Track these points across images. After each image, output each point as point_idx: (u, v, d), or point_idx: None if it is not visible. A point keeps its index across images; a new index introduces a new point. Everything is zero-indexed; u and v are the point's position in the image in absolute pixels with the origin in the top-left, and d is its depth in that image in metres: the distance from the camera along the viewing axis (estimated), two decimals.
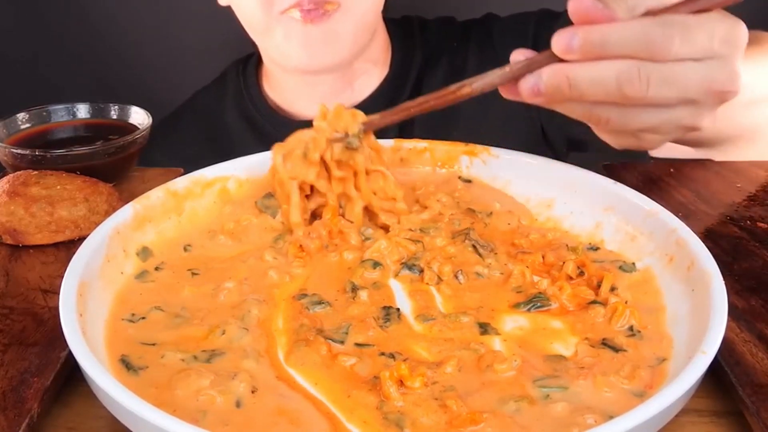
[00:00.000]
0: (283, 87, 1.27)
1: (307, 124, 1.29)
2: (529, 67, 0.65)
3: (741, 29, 0.67)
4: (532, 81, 0.65)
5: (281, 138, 1.22)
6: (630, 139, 0.71)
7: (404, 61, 1.27)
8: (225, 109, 1.32)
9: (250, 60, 1.34)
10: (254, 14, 1.11)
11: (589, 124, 0.71)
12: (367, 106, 1.23)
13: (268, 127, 1.27)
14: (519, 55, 0.67)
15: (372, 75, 1.26)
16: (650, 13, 0.65)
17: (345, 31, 1.10)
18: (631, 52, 0.63)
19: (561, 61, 0.64)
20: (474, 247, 0.72)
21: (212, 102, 1.35)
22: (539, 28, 1.22)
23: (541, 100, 0.66)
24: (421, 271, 0.70)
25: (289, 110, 1.28)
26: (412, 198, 0.82)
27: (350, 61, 1.17)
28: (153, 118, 0.95)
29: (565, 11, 1.21)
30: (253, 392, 0.56)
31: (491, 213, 0.79)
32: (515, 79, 0.66)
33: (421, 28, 1.33)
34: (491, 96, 1.12)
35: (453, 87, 0.70)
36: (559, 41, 0.63)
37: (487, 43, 1.27)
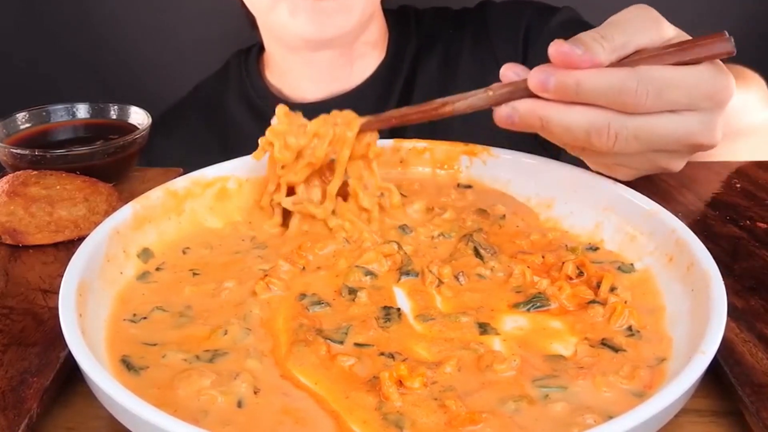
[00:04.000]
0: (284, 70, 1.30)
1: (309, 107, 1.32)
2: (511, 95, 0.67)
3: (728, 84, 0.67)
4: (507, 112, 0.67)
5: None
6: (602, 166, 0.74)
7: (399, 48, 1.31)
8: (228, 98, 1.35)
9: (252, 49, 1.37)
10: None
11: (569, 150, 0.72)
12: (365, 89, 1.29)
13: (271, 113, 1.29)
14: (508, 71, 0.68)
15: (369, 59, 1.29)
16: (640, 52, 0.66)
17: (357, 2, 1.13)
18: (604, 101, 0.64)
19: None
20: (475, 249, 0.72)
21: (215, 92, 1.38)
22: (532, 24, 1.25)
23: (515, 129, 0.68)
24: (418, 274, 0.70)
25: (290, 95, 1.30)
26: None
27: (355, 35, 1.20)
28: (153, 117, 0.95)
29: (562, 8, 1.22)
30: (255, 393, 0.55)
31: (504, 216, 0.79)
32: (497, 104, 0.68)
33: (417, 17, 1.36)
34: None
35: (435, 103, 0.72)
36: (535, 78, 0.65)
37: (482, 31, 1.30)
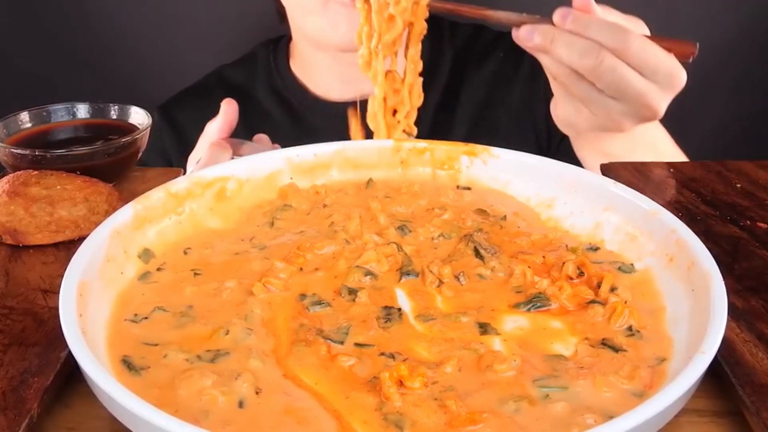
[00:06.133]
0: (312, 66, 1.34)
1: (332, 104, 1.38)
2: (537, 22, 0.88)
3: (683, 76, 0.88)
4: (530, 29, 0.87)
5: (308, 114, 1.31)
6: (571, 106, 0.92)
7: (433, 61, 1.33)
8: (255, 84, 1.39)
9: (281, 40, 1.41)
10: None
11: (554, 81, 0.92)
12: None
13: (296, 103, 1.35)
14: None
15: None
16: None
17: None
18: (603, 39, 0.84)
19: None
20: (476, 249, 0.72)
21: (241, 77, 1.42)
22: None
23: (530, 45, 0.88)
24: (418, 274, 0.70)
25: (313, 90, 1.35)
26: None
27: None
28: (153, 117, 0.96)
29: None
30: (257, 393, 0.55)
31: (505, 216, 0.79)
32: (525, 24, 0.88)
33: (451, 30, 1.39)
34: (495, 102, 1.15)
35: (482, 8, 0.90)
36: (560, 12, 0.86)
37: (516, 53, 1.32)
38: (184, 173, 0.96)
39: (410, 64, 0.90)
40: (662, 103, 0.89)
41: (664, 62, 0.86)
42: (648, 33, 0.91)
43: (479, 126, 1.32)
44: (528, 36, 0.87)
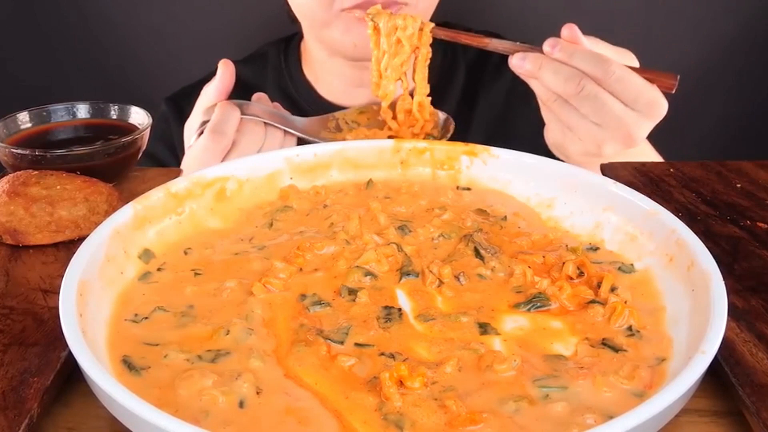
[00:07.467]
0: (324, 70, 1.33)
1: (339, 108, 1.38)
2: (529, 50, 0.95)
3: (664, 105, 0.92)
4: (522, 56, 0.95)
5: (317, 115, 1.25)
6: (559, 131, 0.97)
7: (447, 75, 1.34)
8: (264, 83, 1.38)
9: (292, 40, 1.40)
10: (311, 9, 1.18)
11: (543, 105, 0.97)
12: None
13: (305, 106, 1.35)
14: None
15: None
16: None
17: None
18: (586, 66, 0.91)
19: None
20: (476, 249, 0.72)
21: (251, 75, 1.41)
22: None
23: (521, 72, 0.95)
24: (418, 274, 0.70)
25: (323, 94, 1.34)
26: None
27: None
28: (152, 117, 0.96)
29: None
30: (258, 393, 0.55)
31: (505, 217, 0.80)
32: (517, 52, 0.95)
33: (464, 47, 1.38)
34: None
35: (480, 36, 0.99)
36: (549, 42, 0.93)
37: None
38: (183, 150, 0.97)
39: (418, 86, 0.98)
40: (641, 130, 0.93)
41: (644, 91, 0.91)
42: (637, 65, 0.95)
43: (495, 139, 1.32)
44: (519, 63, 0.94)
